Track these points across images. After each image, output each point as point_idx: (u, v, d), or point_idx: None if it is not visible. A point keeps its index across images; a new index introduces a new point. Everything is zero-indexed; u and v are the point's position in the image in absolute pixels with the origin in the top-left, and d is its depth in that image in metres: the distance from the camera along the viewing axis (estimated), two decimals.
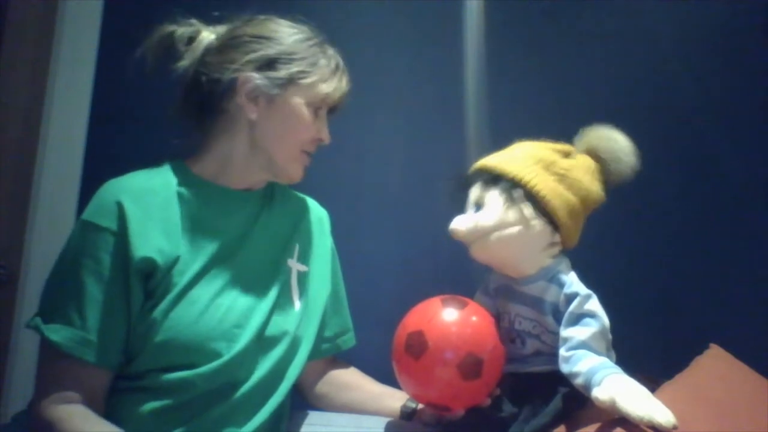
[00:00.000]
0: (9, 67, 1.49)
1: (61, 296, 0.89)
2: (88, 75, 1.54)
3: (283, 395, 0.98)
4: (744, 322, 1.32)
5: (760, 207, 1.38)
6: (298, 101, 0.99)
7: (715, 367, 1.00)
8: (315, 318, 1.06)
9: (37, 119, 1.50)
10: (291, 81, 0.98)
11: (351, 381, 1.12)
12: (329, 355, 1.12)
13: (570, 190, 0.93)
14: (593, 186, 0.95)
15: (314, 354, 1.07)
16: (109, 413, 0.89)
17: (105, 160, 1.52)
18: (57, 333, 0.87)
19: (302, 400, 1.12)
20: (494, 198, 0.92)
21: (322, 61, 1.01)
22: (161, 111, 1.53)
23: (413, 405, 1.01)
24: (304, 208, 1.14)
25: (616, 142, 0.96)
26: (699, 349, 1.04)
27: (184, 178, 0.99)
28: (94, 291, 0.88)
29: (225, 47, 1.00)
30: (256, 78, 0.97)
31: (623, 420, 0.79)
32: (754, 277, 1.36)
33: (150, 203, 0.94)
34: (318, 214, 1.16)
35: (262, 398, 0.96)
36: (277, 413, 0.98)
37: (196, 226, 0.96)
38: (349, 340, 1.15)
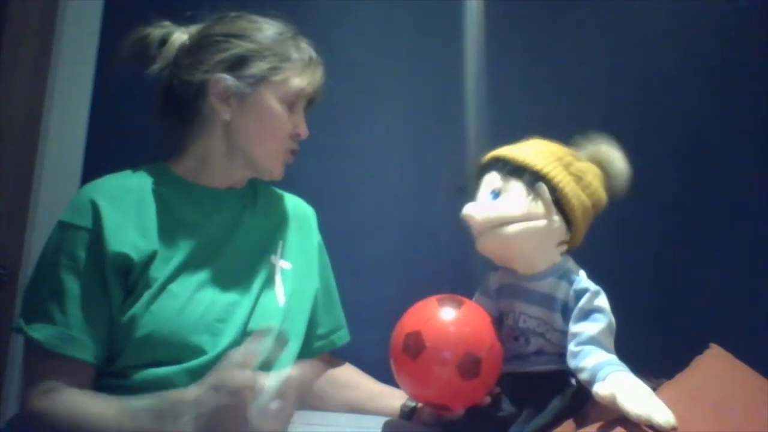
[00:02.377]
0: (9, 67, 1.49)
1: (42, 296, 0.90)
2: (88, 75, 1.54)
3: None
4: (744, 322, 1.32)
5: (760, 207, 1.38)
6: (271, 98, 0.98)
7: (715, 367, 1.00)
8: (302, 314, 1.06)
9: (37, 119, 1.50)
10: (262, 78, 0.97)
11: (350, 380, 1.12)
12: (324, 352, 1.12)
13: (585, 191, 0.95)
14: (601, 192, 0.97)
15: (308, 352, 1.07)
16: None
17: (105, 159, 1.52)
18: (39, 331, 0.87)
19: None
20: (518, 189, 0.92)
21: (295, 55, 1.00)
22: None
23: (413, 404, 1.01)
24: (289, 206, 1.14)
25: (621, 163, 0.98)
26: (699, 349, 1.04)
27: (163, 177, 1.00)
28: (73, 288, 0.89)
29: (196, 48, 1.00)
30: (226, 78, 0.97)
31: (624, 420, 0.79)
32: (754, 277, 1.36)
33: (124, 201, 0.95)
34: (303, 210, 1.16)
35: None
36: None
37: (174, 223, 0.96)
38: (343, 336, 1.15)
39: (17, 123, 1.49)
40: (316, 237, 1.15)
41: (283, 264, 1.06)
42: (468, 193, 1.00)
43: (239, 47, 0.98)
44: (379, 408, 1.05)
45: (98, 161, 1.52)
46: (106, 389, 0.90)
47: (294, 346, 1.02)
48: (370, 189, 1.48)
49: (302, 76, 1.00)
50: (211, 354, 0.92)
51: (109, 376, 0.91)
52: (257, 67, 0.97)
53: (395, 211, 1.46)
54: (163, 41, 1.03)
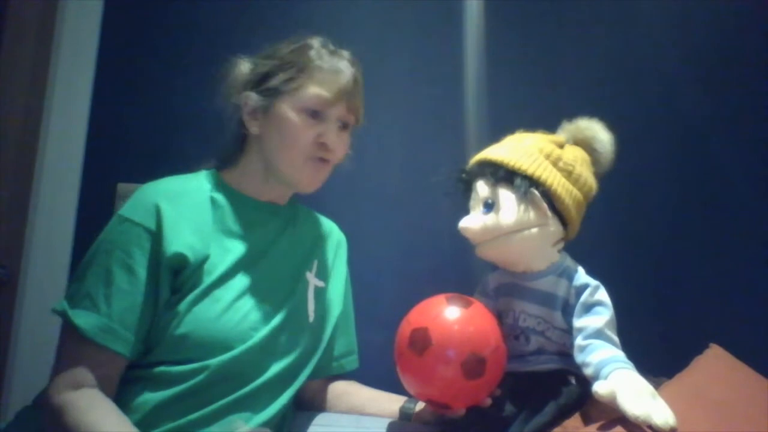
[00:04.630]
0: (9, 67, 1.49)
1: (90, 284, 0.91)
2: (88, 75, 1.54)
3: (287, 400, 0.99)
4: (744, 322, 1.32)
5: (760, 207, 1.38)
6: (288, 108, 1.00)
7: (715, 367, 0.99)
8: (326, 333, 1.09)
9: (37, 119, 1.50)
10: (278, 90, 1.00)
11: (348, 388, 1.14)
12: (333, 374, 1.14)
13: (576, 185, 0.94)
14: (591, 179, 0.96)
15: (320, 371, 1.09)
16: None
17: (105, 160, 1.53)
18: (82, 318, 0.89)
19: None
20: (509, 198, 0.92)
21: (316, 64, 1.01)
22: (160, 112, 1.53)
23: (412, 406, 1.02)
24: (325, 229, 1.18)
25: (604, 134, 0.97)
26: (699, 349, 1.04)
27: (217, 185, 1.04)
28: (122, 282, 0.91)
29: (244, 75, 1.05)
30: (252, 96, 1.02)
31: (625, 419, 0.78)
32: (754, 277, 1.36)
33: (184, 204, 0.98)
34: (337, 237, 1.20)
35: (268, 400, 0.97)
36: (281, 418, 0.99)
37: (225, 230, 1.00)
38: (353, 361, 1.18)
39: (17, 123, 1.49)
40: (344, 264, 1.19)
41: (316, 282, 1.10)
42: (455, 198, 1.00)
43: (264, 66, 1.03)
44: (378, 411, 1.06)
45: (98, 162, 1.53)
46: (126, 379, 0.92)
47: (313, 360, 1.05)
48: (370, 189, 1.48)
49: (320, 84, 1.00)
50: (233, 353, 0.94)
51: (132, 368, 0.92)
52: (275, 80, 1.01)
53: (395, 212, 1.46)
54: (231, 73, 1.07)
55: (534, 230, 0.91)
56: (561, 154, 0.94)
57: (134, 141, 1.52)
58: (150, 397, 0.90)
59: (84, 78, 1.54)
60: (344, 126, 1.05)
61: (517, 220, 0.91)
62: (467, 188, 0.99)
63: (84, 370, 0.88)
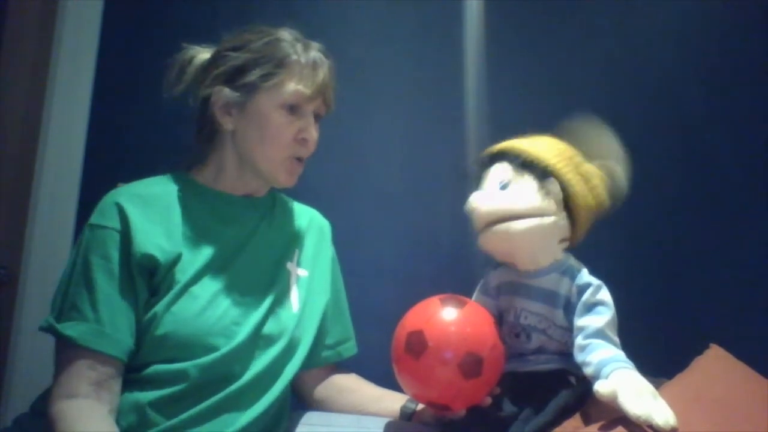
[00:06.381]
0: (9, 67, 1.49)
1: (74, 295, 0.91)
2: (88, 75, 1.54)
3: (279, 392, 0.98)
4: (744, 322, 1.32)
5: (760, 207, 1.38)
6: (267, 104, 0.99)
7: (715, 367, 0.99)
8: (313, 321, 1.07)
9: (37, 119, 1.50)
10: (256, 86, 0.99)
11: (351, 384, 1.13)
12: (330, 362, 1.13)
13: (591, 193, 0.95)
14: (605, 195, 0.97)
15: (315, 361, 1.09)
16: None
17: (105, 160, 1.53)
18: (72, 329, 0.89)
19: (303, 406, 1.12)
20: (528, 183, 0.92)
21: (293, 59, 1.00)
22: (160, 112, 1.53)
23: (413, 406, 1.02)
24: (306, 217, 1.17)
25: (622, 176, 0.97)
26: (699, 349, 1.04)
27: (186, 185, 1.04)
28: (104, 286, 0.91)
29: (207, 66, 1.03)
30: (225, 90, 1.00)
31: (626, 419, 0.78)
32: (754, 277, 1.36)
33: (150, 207, 0.97)
34: (319, 223, 1.19)
35: (258, 394, 0.97)
36: (274, 412, 0.99)
37: (197, 228, 0.99)
38: (350, 348, 1.17)
39: (17, 123, 1.49)
40: (329, 249, 1.18)
41: (299, 271, 1.09)
42: (470, 177, 1.00)
43: (237, 59, 1.00)
44: (379, 410, 1.06)
45: (98, 162, 1.53)
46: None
47: (302, 351, 1.04)
48: (370, 189, 1.48)
49: (300, 80, 1.00)
50: (222, 351, 0.93)
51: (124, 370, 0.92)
52: (252, 76, 0.99)
53: (395, 212, 1.46)
54: (189, 62, 1.06)
55: (548, 219, 0.91)
56: (582, 163, 0.96)
57: (134, 141, 1.52)
58: (142, 398, 0.89)
59: (84, 78, 1.54)
60: (316, 117, 1.05)
61: (532, 206, 0.90)
62: (482, 172, 0.99)
63: (78, 379, 0.87)
